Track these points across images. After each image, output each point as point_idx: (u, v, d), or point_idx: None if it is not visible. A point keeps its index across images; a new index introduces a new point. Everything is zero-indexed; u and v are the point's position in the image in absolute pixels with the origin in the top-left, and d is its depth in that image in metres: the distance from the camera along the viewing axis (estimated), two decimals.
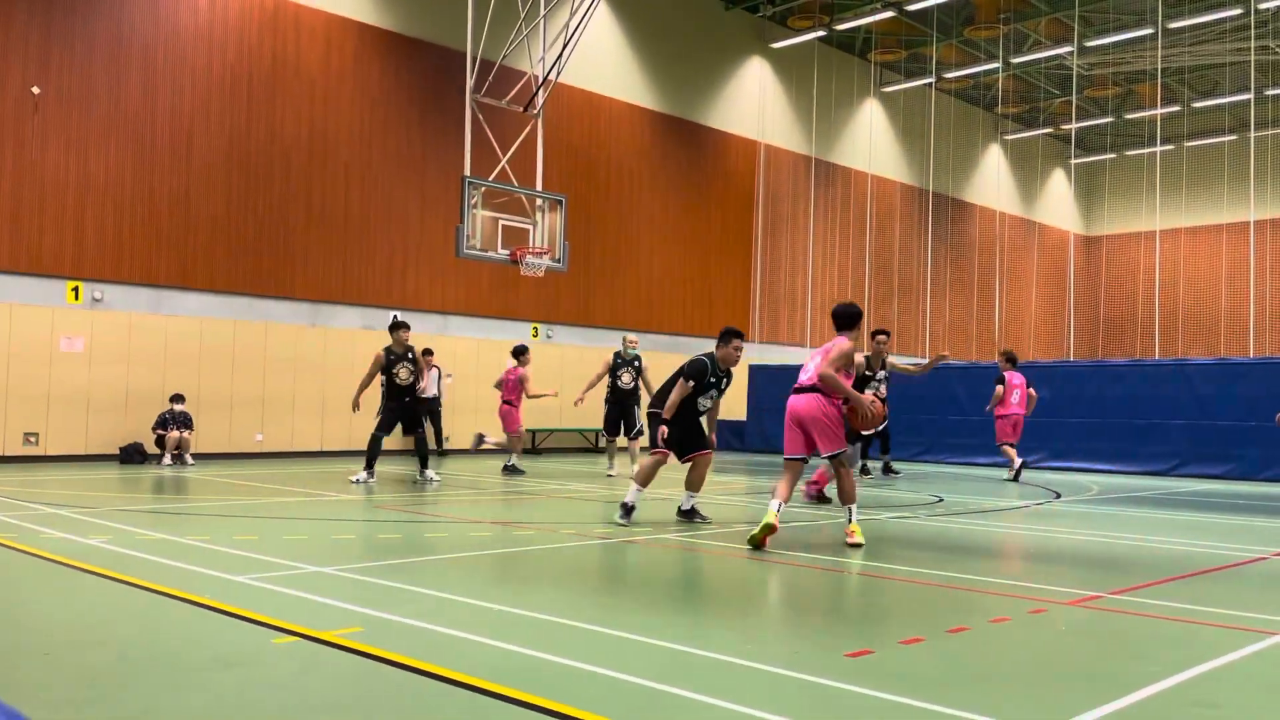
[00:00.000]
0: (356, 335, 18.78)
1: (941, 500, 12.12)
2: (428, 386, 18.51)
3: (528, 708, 3.56)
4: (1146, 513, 11.19)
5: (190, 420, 16.07)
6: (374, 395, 13.22)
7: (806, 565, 6.97)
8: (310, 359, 18.20)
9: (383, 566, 6.45)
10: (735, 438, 23.81)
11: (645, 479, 8.90)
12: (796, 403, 7.94)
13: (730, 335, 8.85)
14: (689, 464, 9.05)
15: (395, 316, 17.14)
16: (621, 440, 14.67)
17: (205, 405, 16.85)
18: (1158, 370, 18.38)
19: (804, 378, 8.01)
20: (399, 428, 13.05)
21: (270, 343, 17.73)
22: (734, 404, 24.90)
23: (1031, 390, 15.88)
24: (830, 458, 7.91)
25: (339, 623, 4.78)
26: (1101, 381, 18.52)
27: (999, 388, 15.75)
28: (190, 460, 15.61)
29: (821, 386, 7.85)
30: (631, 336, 15.12)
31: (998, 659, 4.48)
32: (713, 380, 8.87)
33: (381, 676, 3.96)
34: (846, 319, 8.21)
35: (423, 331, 19.68)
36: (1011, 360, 15.87)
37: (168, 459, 15.40)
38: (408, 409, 12.84)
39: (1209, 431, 17.20)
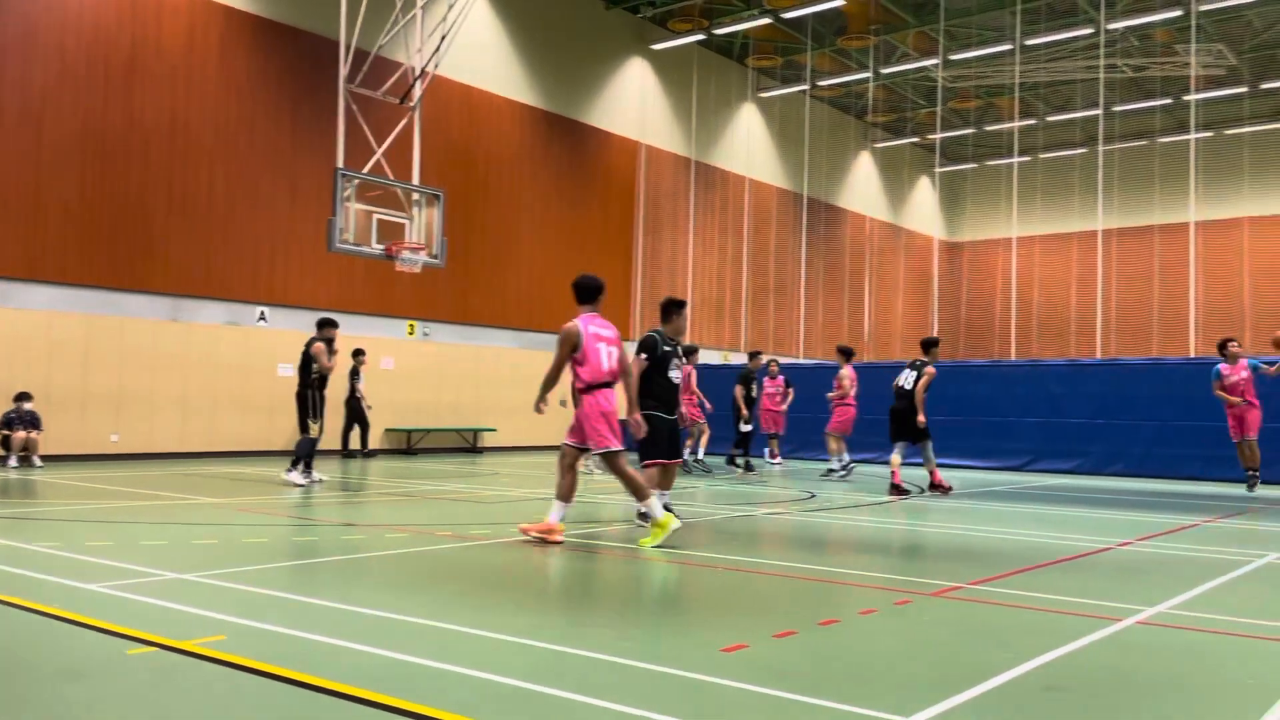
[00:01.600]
0: (220, 331, 18.07)
1: (814, 496, 12.43)
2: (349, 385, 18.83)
3: (397, 713, 3.48)
4: (1003, 506, 11.72)
5: (38, 420, 15.17)
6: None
7: (681, 562, 7.04)
8: (171, 355, 17.41)
9: (248, 572, 6.21)
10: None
11: (651, 485, 8.51)
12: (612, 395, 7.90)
13: (675, 305, 8.94)
14: (666, 467, 8.84)
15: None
16: None
17: (55, 404, 15.93)
18: (1014, 370, 19.31)
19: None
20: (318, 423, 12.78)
21: (127, 338, 16.88)
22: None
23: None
24: (601, 455, 7.76)
25: (200, 631, 4.59)
26: (963, 381, 19.30)
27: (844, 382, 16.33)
28: (39, 462, 14.75)
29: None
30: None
31: (866, 650, 4.61)
32: (667, 349, 8.74)
33: (245, 686, 3.82)
34: (591, 292, 8.02)
35: (292, 328, 19.08)
36: (847, 355, 16.52)
37: (13, 461, 14.52)
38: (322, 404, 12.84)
39: (1060, 429, 18.15)
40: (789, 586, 6.23)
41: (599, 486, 13.31)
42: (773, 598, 5.92)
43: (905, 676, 4.16)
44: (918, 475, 16.57)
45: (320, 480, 12.62)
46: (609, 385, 7.82)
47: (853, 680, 4.05)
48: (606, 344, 7.88)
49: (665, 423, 8.63)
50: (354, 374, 18.92)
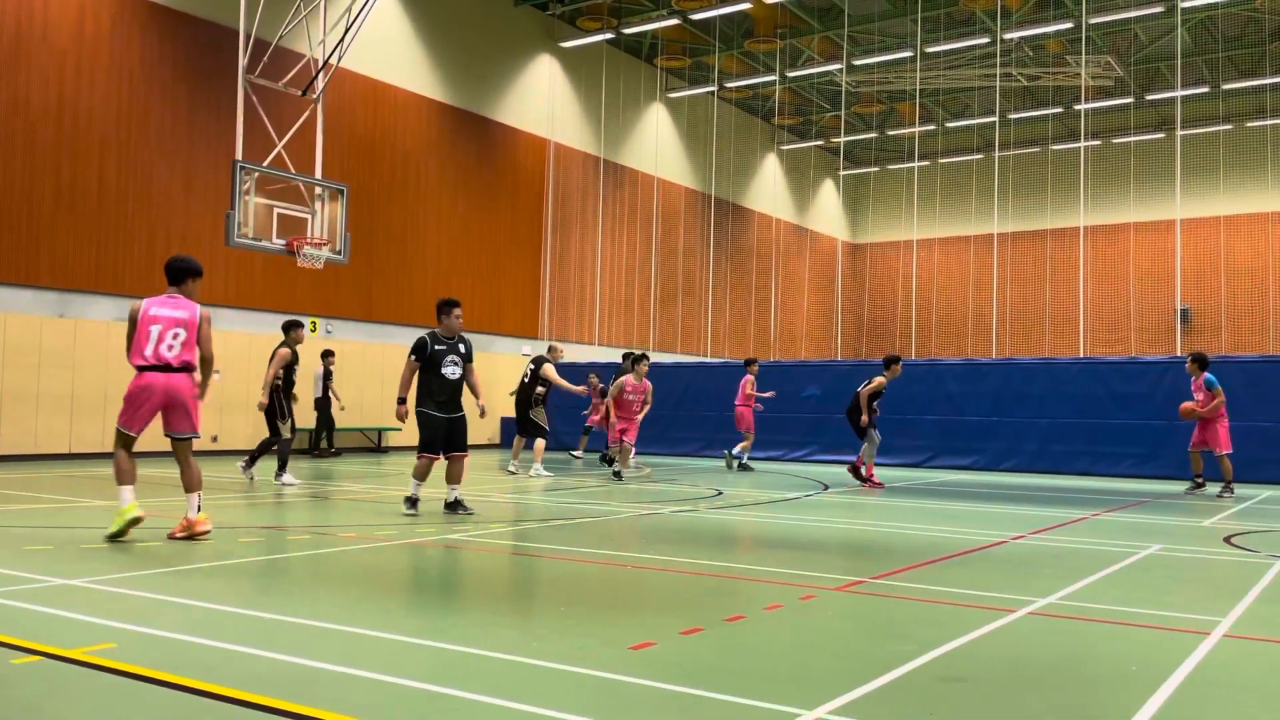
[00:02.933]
0: (111, 327, 17.38)
1: (721, 493, 12.56)
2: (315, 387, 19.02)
3: (296, 718, 3.40)
4: (904, 502, 12.02)
5: None
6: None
7: (589, 560, 7.04)
8: (57, 353, 16.67)
9: (139, 577, 5.99)
10: None
11: (420, 477, 9.44)
12: (170, 381, 7.42)
13: (448, 305, 9.54)
14: (450, 460, 9.42)
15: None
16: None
17: None
18: (913, 370, 19.78)
19: (169, 355, 7.39)
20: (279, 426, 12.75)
21: (10, 334, 16.11)
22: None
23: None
24: (178, 439, 7.66)
25: (88, 639, 4.40)
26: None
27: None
28: None
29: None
30: (558, 347, 16.60)
31: (772, 645, 4.68)
32: (440, 348, 9.32)
33: (137, 695, 3.68)
34: (181, 273, 7.70)
35: None
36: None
37: None
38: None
39: (958, 426, 18.70)
40: (696, 583, 6.28)
41: (506, 484, 13.22)
42: (680, 595, 5.96)
43: (810, 670, 4.24)
44: (819, 472, 16.89)
45: (295, 483, 12.63)
46: (160, 369, 7.39)
47: (759, 675, 4.11)
48: (165, 325, 7.40)
49: (440, 420, 9.24)
50: (327, 375, 19.07)
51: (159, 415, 7.59)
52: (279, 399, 12.62)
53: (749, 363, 17.23)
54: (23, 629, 4.57)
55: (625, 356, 15.58)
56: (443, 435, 9.26)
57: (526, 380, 15.46)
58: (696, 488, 13.43)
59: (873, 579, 6.39)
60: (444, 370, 9.28)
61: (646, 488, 13.45)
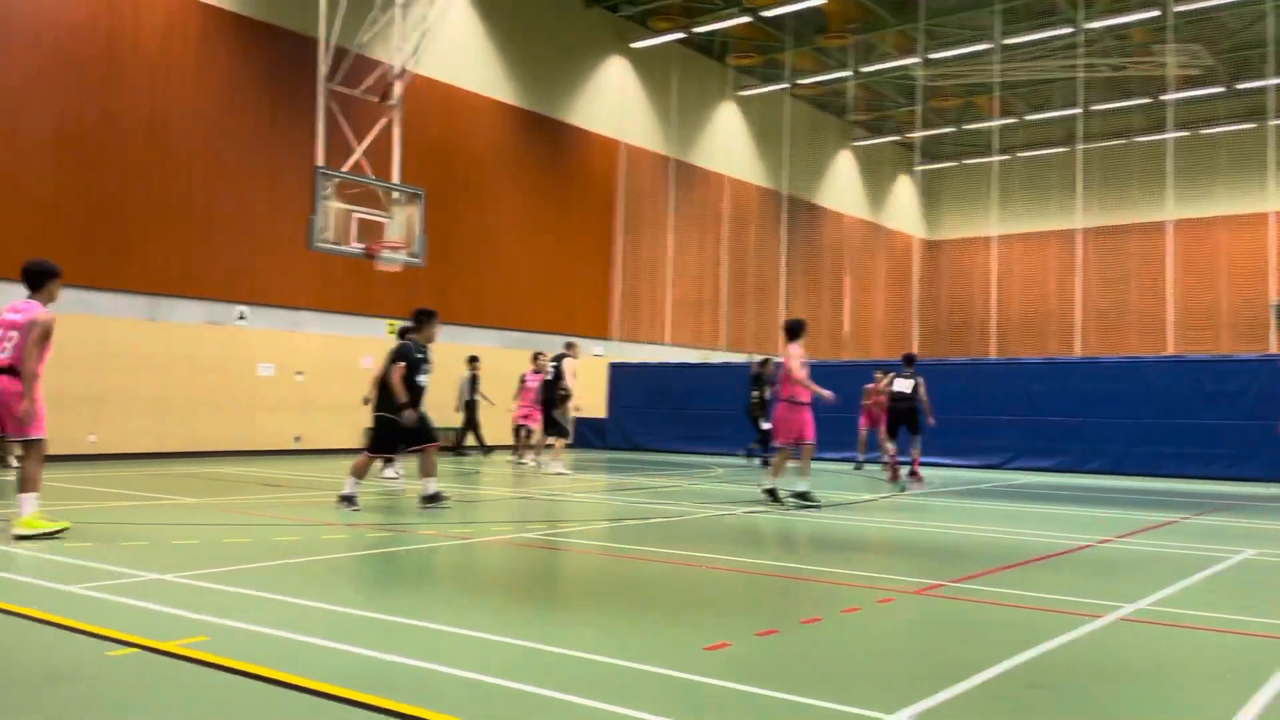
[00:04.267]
0: (200, 330, 17.93)
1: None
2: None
3: (382, 713, 3.47)
4: (983, 504, 11.79)
5: None
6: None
7: (661, 560, 7.05)
8: (149, 355, 17.26)
9: (230, 573, 6.18)
10: (596, 435, 23.88)
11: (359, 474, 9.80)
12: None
13: (427, 315, 10.08)
14: (417, 454, 9.90)
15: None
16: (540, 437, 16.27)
17: None
18: (993, 369, 19.43)
19: (1, 356, 7.52)
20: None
21: (104, 338, 16.72)
22: (594, 402, 24.98)
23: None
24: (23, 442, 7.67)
25: (182, 632, 4.56)
26: (941, 380, 19.39)
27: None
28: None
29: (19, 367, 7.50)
30: (576, 344, 16.72)
31: (849, 648, 4.63)
32: (419, 356, 9.88)
33: (228, 687, 3.80)
34: (34, 276, 7.76)
35: (272, 327, 18.97)
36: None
37: None
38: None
39: (1039, 427, 18.27)
40: (770, 585, 6.25)
41: (579, 484, 13.31)
42: (754, 596, 5.94)
43: (888, 674, 4.18)
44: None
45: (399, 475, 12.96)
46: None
47: (836, 678, 4.07)
48: (5, 328, 7.62)
49: (397, 422, 9.63)
50: (473, 381, 19.51)
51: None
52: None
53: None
54: (119, 622, 4.75)
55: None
56: (400, 436, 9.73)
57: (550, 378, 15.60)
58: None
59: (952, 582, 6.28)
60: (418, 378, 9.83)
61: (720, 488, 13.41)
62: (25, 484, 7.60)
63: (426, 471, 9.85)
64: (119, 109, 16.98)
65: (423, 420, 9.79)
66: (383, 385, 9.90)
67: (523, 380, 17.16)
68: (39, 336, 7.58)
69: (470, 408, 19.64)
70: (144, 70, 17.32)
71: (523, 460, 16.76)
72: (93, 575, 5.94)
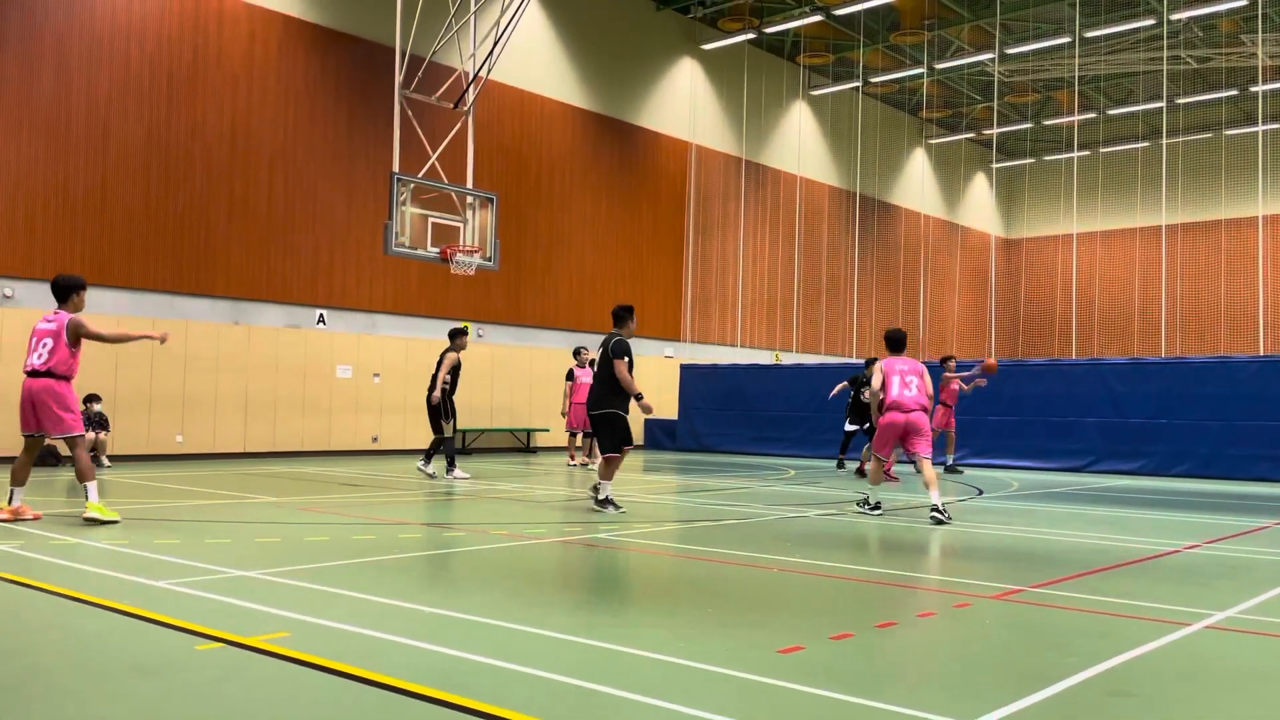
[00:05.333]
0: (280, 334, 18.41)
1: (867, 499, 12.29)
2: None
3: (458, 709, 3.52)
4: (1064, 508, 11.50)
5: (106, 421, 15.58)
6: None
7: (735, 563, 7.02)
8: (232, 358, 17.78)
9: (310, 570, 6.33)
10: (667, 436, 23.90)
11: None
12: (30, 384, 8.36)
13: (629, 312, 10.05)
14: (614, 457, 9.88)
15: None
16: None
17: (122, 406, 16.36)
18: (1074, 369, 18.92)
19: (37, 362, 8.35)
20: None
21: (190, 341, 17.27)
22: (665, 403, 25.03)
23: None
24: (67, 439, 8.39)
25: (264, 628, 4.68)
26: (1020, 380, 18.99)
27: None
28: (106, 462, 15.14)
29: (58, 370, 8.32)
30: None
31: (925, 653, 4.56)
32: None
33: (308, 682, 3.89)
34: (61, 290, 8.56)
35: (350, 330, 19.38)
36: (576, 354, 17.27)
37: None
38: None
39: (1122, 429, 17.75)
40: (845, 588, 6.18)
41: (650, 485, 13.33)
42: (829, 600, 5.88)
43: (966, 680, 4.11)
44: (974, 475, 16.35)
45: (466, 476, 13.79)
46: (29, 375, 8.43)
47: (911, 683, 4.01)
48: (40, 336, 8.42)
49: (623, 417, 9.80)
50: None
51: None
52: (445, 400, 13.56)
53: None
54: (205, 617, 4.90)
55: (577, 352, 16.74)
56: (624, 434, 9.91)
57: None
58: (844, 491, 13.21)
59: (1032, 588, 6.14)
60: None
61: (791, 490, 13.31)
62: (84, 474, 8.37)
63: (606, 475, 9.83)
64: (203, 119, 17.53)
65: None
66: (601, 383, 9.82)
67: (572, 377, 17.13)
68: (79, 328, 8.39)
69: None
70: (227, 81, 17.85)
71: (589, 462, 16.84)
72: (179, 571, 6.13)
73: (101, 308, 16.34)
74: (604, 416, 9.76)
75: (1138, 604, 5.66)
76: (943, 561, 7.64)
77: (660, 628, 4.96)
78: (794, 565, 6.91)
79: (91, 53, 16.29)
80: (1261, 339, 29.72)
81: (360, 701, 3.67)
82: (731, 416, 22.68)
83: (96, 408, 15.51)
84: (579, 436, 17.25)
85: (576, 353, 17.21)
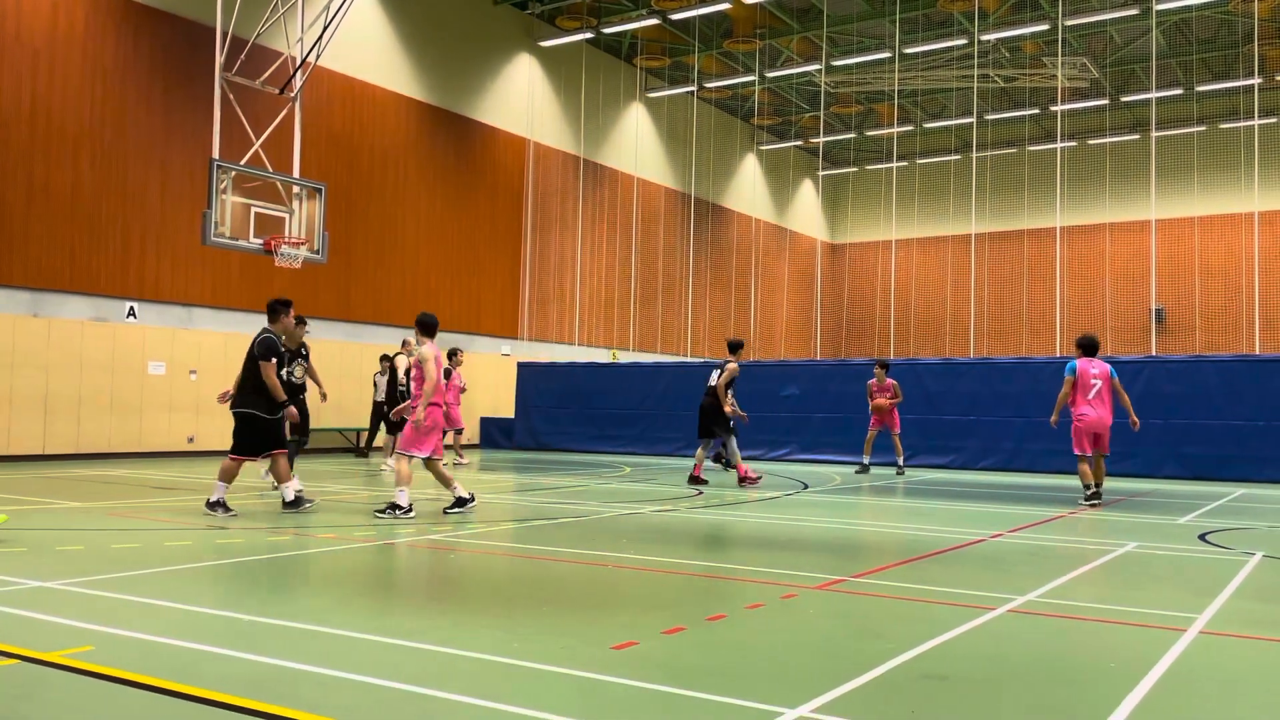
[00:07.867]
0: (86, 327, 17.21)
1: (701, 492, 12.57)
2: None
3: None
4: (882, 500, 12.09)
5: None
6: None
7: (568, 560, 7.03)
8: (31, 353, 16.49)
9: (117, 579, 5.94)
10: (504, 435, 23.71)
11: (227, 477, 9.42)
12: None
13: (284, 307, 9.88)
14: (271, 459, 9.71)
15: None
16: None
17: None
18: (891, 369, 19.85)
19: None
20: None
21: None
22: (502, 402, 24.81)
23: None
24: None
25: (65, 642, 4.36)
26: (843, 380, 19.80)
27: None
28: None
29: None
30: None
31: (754, 644, 4.69)
32: (286, 351, 9.97)
33: (116, 698, 3.65)
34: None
35: (163, 324, 18.32)
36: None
37: None
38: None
39: (936, 425, 18.79)
40: (677, 583, 6.29)
41: (486, 485, 13.19)
42: (661, 594, 5.97)
43: (792, 669, 4.25)
44: (799, 471, 16.93)
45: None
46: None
47: (741, 674, 4.12)
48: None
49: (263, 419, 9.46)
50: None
51: None
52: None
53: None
54: None
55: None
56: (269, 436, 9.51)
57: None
58: (678, 487, 13.44)
59: (853, 578, 6.41)
60: (292, 372, 10.36)
61: (627, 487, 13.44)
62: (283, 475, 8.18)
63: (284, 477, 9.53)
64: None
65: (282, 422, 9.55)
66: (247, 382, 9.39)
67: (447, 376, 16.83)
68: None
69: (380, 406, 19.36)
70: (26, 56, 16.54)
71: (462, 460, 16.87)
72: None
73: None
74: (243, 416, 9.43)
75: (948, 590, 6.00)
76: (770, 554, 7.87)
77: (493, 628, 4.91)
78: (629, 561, 6.98)
79: None
80: (1059, 342, 32.05)
81: (171, 715, 3.47)
82: (569, 415, 22.71)
83: None
84: (449, 434, 16.93)
85: (451, 354, 16.66)
